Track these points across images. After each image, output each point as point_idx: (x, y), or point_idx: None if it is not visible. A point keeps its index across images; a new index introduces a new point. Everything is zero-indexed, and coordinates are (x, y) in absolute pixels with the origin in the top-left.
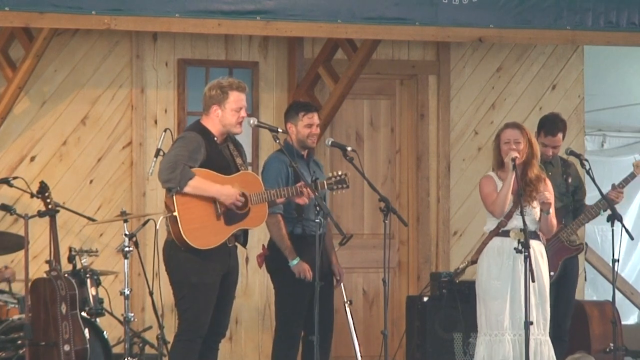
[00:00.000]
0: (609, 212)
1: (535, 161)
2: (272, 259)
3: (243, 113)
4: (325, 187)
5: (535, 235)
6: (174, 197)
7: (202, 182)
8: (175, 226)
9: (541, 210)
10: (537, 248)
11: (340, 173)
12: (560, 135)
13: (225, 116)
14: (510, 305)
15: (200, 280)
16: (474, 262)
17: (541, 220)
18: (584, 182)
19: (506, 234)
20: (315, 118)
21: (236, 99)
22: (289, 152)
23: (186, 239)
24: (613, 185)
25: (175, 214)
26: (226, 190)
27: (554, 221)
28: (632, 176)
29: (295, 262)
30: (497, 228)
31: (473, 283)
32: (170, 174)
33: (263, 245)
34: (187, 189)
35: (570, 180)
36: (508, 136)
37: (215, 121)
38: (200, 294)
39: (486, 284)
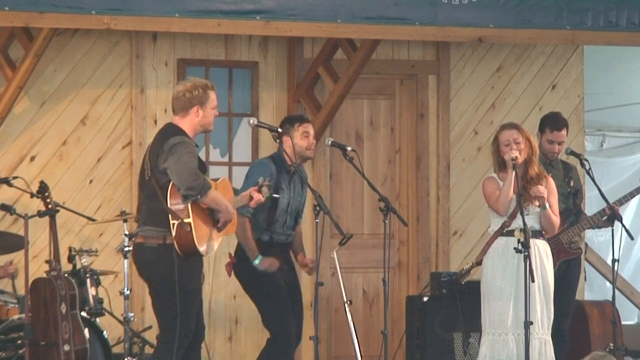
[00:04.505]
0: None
1: (535, 159)
2: (241, 266)
3: (216, 111)
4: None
5: (540, 235)
6: (189, 205)
7: (217, 195)
8: (187, 233)
9: (537, 205)
10: (542, 247)
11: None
12: (564, 130)
13: (206, 115)
14: (515, 304)
15: (194, 286)
16: (479, 263)
17: (540, 216)
18: (583, 187)
19: (510, 233)
20: (310, 128)
21: (214, 98)
22: (280, 162)
23: (198, 246)
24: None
25: (189, 220)
26: (230, 208)
27: (554, 218)
28: (638, 190)
29: (258, 260)
30: (502, 228)
31: (473, 283)
32: (194, 182)
33: (230, 254)
34: (205, 199)
35: (572, 183)
36: (507, 137)
37: (194, 121)
38: (193, 300)
39: (491, 283)
